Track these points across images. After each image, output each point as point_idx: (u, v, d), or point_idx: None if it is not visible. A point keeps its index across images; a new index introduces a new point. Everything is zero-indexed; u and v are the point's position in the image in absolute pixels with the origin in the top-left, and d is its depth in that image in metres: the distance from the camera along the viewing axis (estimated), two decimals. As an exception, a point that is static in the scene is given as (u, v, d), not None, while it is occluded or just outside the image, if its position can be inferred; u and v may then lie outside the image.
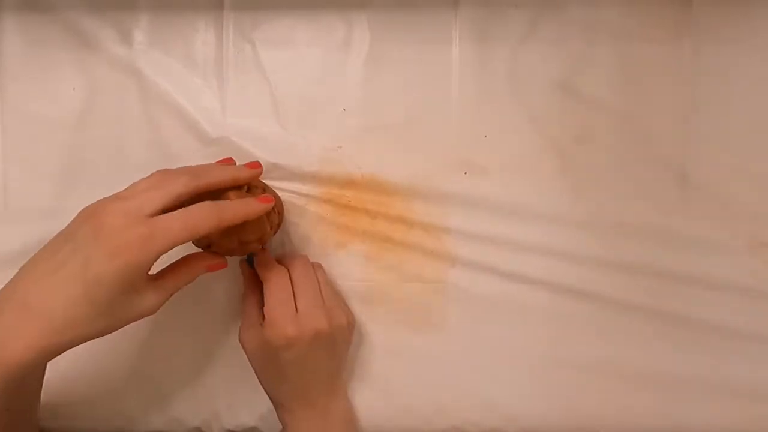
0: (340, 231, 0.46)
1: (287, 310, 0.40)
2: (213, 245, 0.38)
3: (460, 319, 0.46)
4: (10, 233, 0.46)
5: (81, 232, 0.32)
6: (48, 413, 0.46)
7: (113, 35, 0.46)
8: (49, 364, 0.35)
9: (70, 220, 0.34)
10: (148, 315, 0.34)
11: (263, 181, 0.44)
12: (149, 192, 0.33)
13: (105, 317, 0.32)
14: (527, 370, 0.46)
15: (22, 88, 0.46)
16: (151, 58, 0.46)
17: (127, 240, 0.31)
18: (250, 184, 0.40)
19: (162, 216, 0.33)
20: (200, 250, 0.39)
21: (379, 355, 0.46)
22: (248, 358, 0.42)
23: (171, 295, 0.36)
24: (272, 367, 0.41)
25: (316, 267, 0.45)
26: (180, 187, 0.34)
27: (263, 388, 0.43)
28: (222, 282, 0.46)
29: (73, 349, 0.32)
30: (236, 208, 0.36)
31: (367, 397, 0.46)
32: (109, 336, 0.34)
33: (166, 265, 0.36)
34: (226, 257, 0.39)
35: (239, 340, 0.42)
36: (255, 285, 0.43)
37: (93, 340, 0.33)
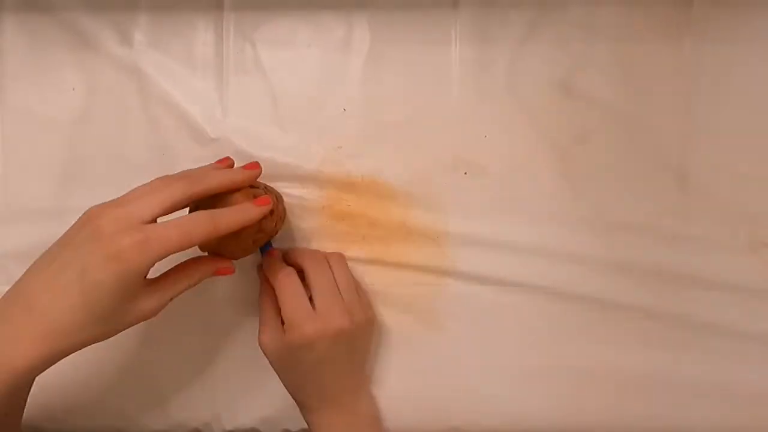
0: (340, 236, 0.46)
1: (304, 310, 0.40)
2: (217, 248, 0.38)
3: (460, 321, 0.46)
4: (10, 233, 0.46)
5: (79, 237, 0.33)
6: (47, 414, 0.46)
7: (113, 35, 0.46)
8: (49, 365, 0.35)
9: (73, 221, 0.34)
10: (147, 319, 0.35)
11: (263, 182, 0.44)
12: (146, 198, 0.33)
13: (104, 323, 0.33)
14: (527, 371, 0.46)
15: (22, 88, 0.47)
16: (151, 59, 0.46)
17: (123, 246, 0.31)
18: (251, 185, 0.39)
19: (160, 224, 0.33)
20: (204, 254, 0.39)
21: (379, 357, 0.46)
22: (269, 362, 0.41)
23: (171, 299, 0.36)
24: (295, 369, 0.41)
25: (335, 259, 0.44)
26: (177, 193, 0.34)
27: (287, 389, 0.42)
28: (222, 283, 0.46)
29: (73, 349, 0.33)
30: (233, 216, 0.35)
31: (367, 397, 0.46)
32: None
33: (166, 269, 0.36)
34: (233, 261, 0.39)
35: (259, 344, 0.41)
36: (270, 288, 0.42)
37: (93, 341, 0.33)
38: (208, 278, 0.38)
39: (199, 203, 0.37)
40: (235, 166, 0.41)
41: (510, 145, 0.45)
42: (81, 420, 0.47)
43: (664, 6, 0.45)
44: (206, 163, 0.41)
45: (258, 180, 0.41)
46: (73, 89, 0.46)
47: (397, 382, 0.46)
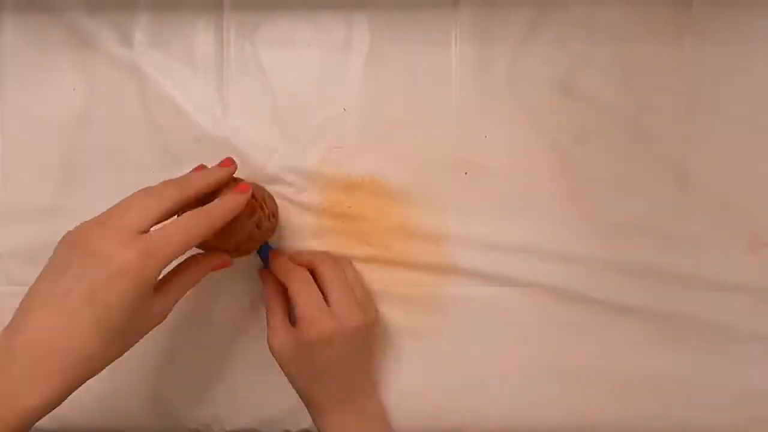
0: (341, 236, 0.46)
1: (320, 306, 0.39)
2: (210, 247, 0.38)
3: (460, 321, 0.46)
4: (10, 233, 0.46)
5: (75, 262, 0.31)
6: (47, 414, 0.46)
7: (113, 35, 0.46)
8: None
9: (73, 221, 0.33)
10: (158, 324, 0.34)
11: (262, 183, 0.44)
12: (138, 209, 0.33)
13: (118, 342, 0.32)
14: (527, 371, 0.46)
15: (22, 88, 0.47)
16: (151, 58, 0.46)
17: (127, 259, 0.30)
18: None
19: (158, 230, 0.32)
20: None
21: (379, 358, 0.46)
22: (280, 364, 0.41)
23: (177, 300, 0.35)
24: (308, 368, 0.40)
25: (345, 263, 0.44)
26: (168, 201, 0.34)
27: (298, 391, 0.42)
28: (222, 285, 0.46)
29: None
30: (223, 206, 0.36)
31: (367, 397, 0.46)
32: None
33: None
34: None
35: (269, 346, 0.41)
36: (276, 290, 0.42)
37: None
38: (208, 278, 0.38)
39: (185, 209, 0.37)
40: (237, 162, 0.41)
41: (510, 145, 0.45)
42: (81, 420, 0.47)
43: (664, 6, 0.45)
44: (206, 163, 0.41)
45: (253, 182, 0.41)
46: (73, 89, 0.46)
47: (397, 382, 0.46)
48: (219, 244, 0.38)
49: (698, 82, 0.45)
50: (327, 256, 0.43)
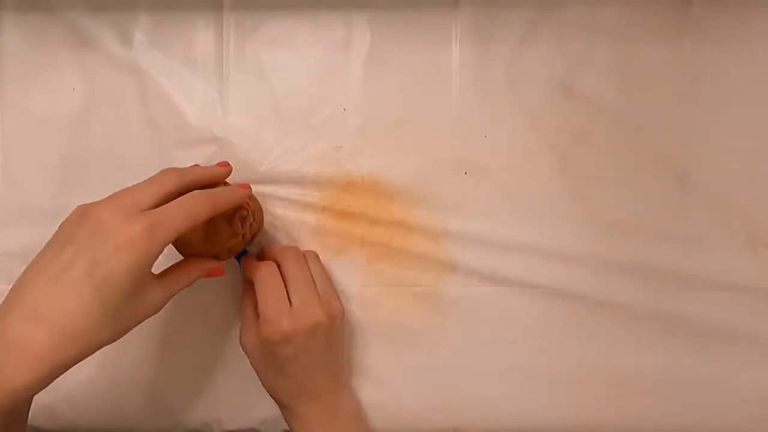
0: (340, 237, 0.46)
1: (281, 305, 0.40)
2: (193, 253, 0.39)
3: (460, 321, 0.46)
4: (10, 233, 0.46)
5: (80, 234, 0.32)
6: (47, 415, 0.46)
7: (113, 35, 0.46)
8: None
9: (58, 227, 0.33)
10: (154, 314, 0.35)
11: (263, 183, 0.45)
12: (142, 189, 0.34)
13: (116, 320, 0.32)
14: (527, 371, 0.46)
15: (22, 88, 0.47)
16: (151, 58, 0.46)
17: (132, 233, 0.31)
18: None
19: (162, 207, 0.33)
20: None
21: (379, 357, 0.46)
22: (250, 361, 0.42)
23: (174, 294, 0.36)
24: (273, 366, 0.41)
25: (309, 256, 0.44)
26: (170, 184, 0.35)
27: (267, 390, 0.42)
28: (220, 286, 0.46)
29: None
30: (227, 193, 0.37)
31: (367, 398, 0.46)
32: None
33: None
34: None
35: (240, 344, 0.42)
36: (251, 288, 0.43)
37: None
38: (206, 281, 0.38)
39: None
40: (232, 166, 0.41)
41: (510, 145, 0.45)
42: (81, 420, 0.47)
43: (664, 6, 0.45)
44: (206, 163, 0.41)
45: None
46: (73, 89, 0.46)
47: (397, 381, 0.46)
48: (202, 248, 0.39)
49: (698, 82, 0.45)
50: (290, 251, 0.43)
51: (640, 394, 0.45)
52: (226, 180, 0.41)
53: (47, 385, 0.30)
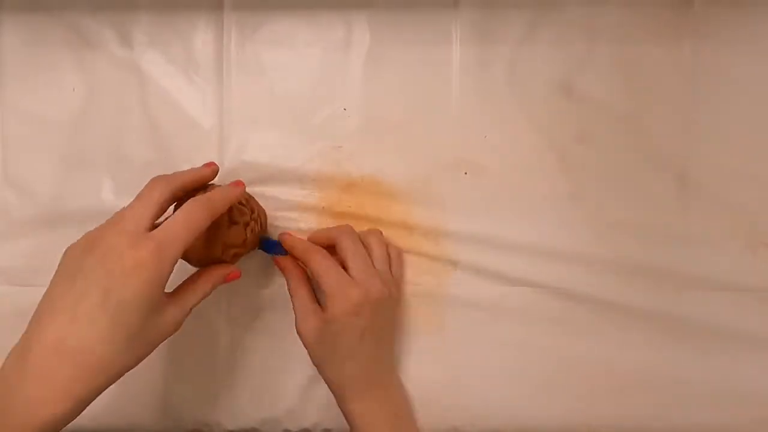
0: (341, 236, 0.46)
1: (345, 278, 0.39)
2: (200, 260, 0.39)
3: (460, 320, 0.46)
4: (10, 233, 0.46)
5: (86, 266, 0.31)
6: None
7: (113, 35, 0.46)
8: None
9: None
10: (173, 332, 0.35)
11: (263, 183, 0.44)
12: (138, 208, 0.33)
13: (134, 345, 0.32)
14: (527, 371, 0.46)
15: (22, 88, 0.47)
16: (152, 59, 0.46)
17: (139, 257, 0.31)
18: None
19: (162, 226, 0.33)
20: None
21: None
22: (309, 350, 0.40)
23: (191, 309, 0.36)
24: (340, 347, 0.40)
25: (371, 234, 0.44)
26: (162, 194, 0.34)
27: (327, 378, 0.41)
28: (223, 285, 0.46)
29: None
30: (222, 196, 0.36)
31: (367, 397, 0.46)
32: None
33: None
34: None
35: (297, 332, 0.40)
36: (297, 276, 0.42)
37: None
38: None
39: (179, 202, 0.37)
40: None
41: (510, 145, 0.45)
42: (82, 420, 0.46)
43: (664, 7, 0.45)
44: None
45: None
46: (73, 89, 0.46)
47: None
48: (206, 252, 0.38)
49: (698, 82, 0.45)
50: (347, 229, 0.43)
51: (640, 394, 0.45)
52: (213, 181, 0.40)
53: (75, 418, 0.31)
